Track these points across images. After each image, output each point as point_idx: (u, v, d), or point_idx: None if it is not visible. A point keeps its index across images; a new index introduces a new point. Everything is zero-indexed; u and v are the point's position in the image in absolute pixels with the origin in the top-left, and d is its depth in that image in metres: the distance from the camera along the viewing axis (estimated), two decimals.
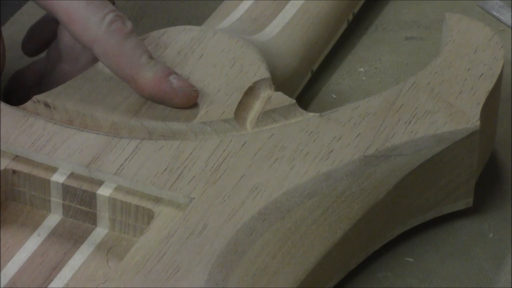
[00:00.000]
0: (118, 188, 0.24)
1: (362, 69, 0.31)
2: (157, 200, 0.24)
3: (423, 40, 0.32)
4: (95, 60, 0.26)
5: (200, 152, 0.25)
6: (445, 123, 0.25)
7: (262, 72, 0.27)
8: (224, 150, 0.25)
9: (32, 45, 0.28)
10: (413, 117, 0.26)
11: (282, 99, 0.26)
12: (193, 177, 0.24)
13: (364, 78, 0.31)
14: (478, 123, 0.25)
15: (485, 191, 0.27)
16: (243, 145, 0.25)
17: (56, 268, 0.23)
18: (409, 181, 0.25)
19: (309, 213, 0.24)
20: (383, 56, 0.32)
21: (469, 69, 0.27)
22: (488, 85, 0.26)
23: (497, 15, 0.33)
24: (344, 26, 0.32)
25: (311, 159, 0.25)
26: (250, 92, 0.26)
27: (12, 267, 0.23)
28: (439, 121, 0.25)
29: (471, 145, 0.26)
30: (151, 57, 0.25)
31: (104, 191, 0.24)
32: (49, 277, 0.23)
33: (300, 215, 0.23)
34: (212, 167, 0.24)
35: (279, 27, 0.30)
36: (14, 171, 0.25)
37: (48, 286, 0.23)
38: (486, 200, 0.27)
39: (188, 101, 0.25)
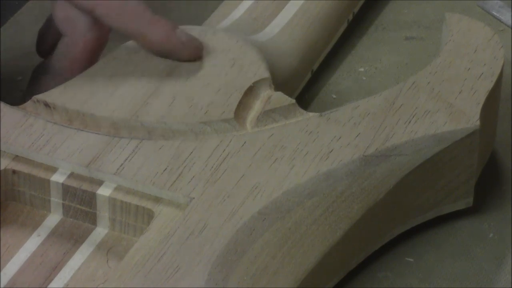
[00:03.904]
0: (118, 188, 0.24)
1: (362, 69, 0.31)
2: (157, 200, 0.24)
3: (423, 40, 0.32)
4: (92, 24, 0.26)
5: (200, 152, 0.25)
6: (445, 122, 0.25)
7: (262, 72, 0.27)
8: (224, 150, 0.25)
9: (44, 47, 0.28)
10: (413, 116, 0.26)
11: (282, 99, 0.26)
12: (193, 177, 0.24)
13: (364, 78, 0.31)
14: (478, 122, 0.25)
15: (485, 191, 0.27)
16: (243, 145, 0.25)
17: (56, 268, 0.23)
18: (409, 181, 0.25)
19: (309, 213, 0.24)
20: (383, 56, 0.32)
21: (469, 68, 0.27)
22: (488, 85, 0.26)
23: (497, 15, 0.33)
24: (344, 26, 0.32)
25: (311, 159, 0.24)
26: (250, 92, 0.26)
27: (12, 267, 0.23)
28: (439, 121, 0.25)
29: (471, 145, 0.26)
30: (153, 12, 0.24)
31: (104, 191, 0.24)
32: (49, 277, 0.23)
33: (300, 215, 0.23)
34: (212, 167, 0.24)
35: (279, 27, 0.30)
36: (14, 171, 0.25)
37: (48, 286, 0.23)
38: (486, 200, 0.27)
39: (196, 53, 0.25)
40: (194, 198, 0.24)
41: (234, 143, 0.25)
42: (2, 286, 0.23)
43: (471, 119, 0.25)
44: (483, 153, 0.27)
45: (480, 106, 0.26)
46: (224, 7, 0.30)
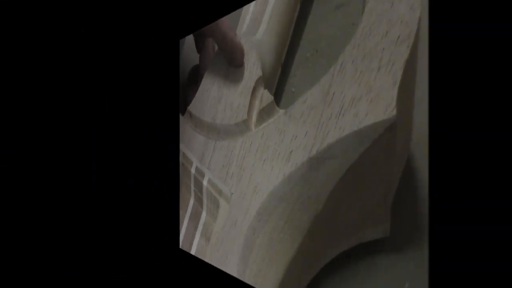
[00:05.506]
0: (209, 180, 0.28)
1: (308, 54, 0.26)
2: (220, 192, 0.28)
3: (351, 6, 0.27)
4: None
5: (233, 150, 0.27)
6: (366, 114, 0.24)
7: (259, 71, 0.28)
8: (244, 149, 0.27)
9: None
10: (341, 108, 0.24)
11: (268, 97, 0.27)
12: (232, 173, 0.27)
13: (310, 65, 0.27)
14: (395, 111, 0.23)
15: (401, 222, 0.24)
16: (250, 145, 0.27)
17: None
18: (341, 188, 0.24)
19: (279, 219, 0.25)
20: (322, 35, 0.28)
21: (386, 32, 0.23)
22: (404, 52, 0.22)
23: None
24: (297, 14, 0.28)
25: (281, 160, 0.26)
26: (254, 92, 0.28)
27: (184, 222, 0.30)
28: (361, 112, 0.24)
29: (389, 143, 0.24)
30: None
31: (205, 181, 0.28)
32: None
33: (275, 222, 0.25)
34: (237, 165, 0.27)
35: (264, 25, 0.29)
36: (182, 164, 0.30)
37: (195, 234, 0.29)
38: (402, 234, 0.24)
39: (242, 60, 0.29)
40: (233, 193, 0.27)
41: (247, 143, 0.27)
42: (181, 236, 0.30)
43: (387, 108, 0.23)
44: (399, 157, 0.24)
45: (397, 87, 0.22)
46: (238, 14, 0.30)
